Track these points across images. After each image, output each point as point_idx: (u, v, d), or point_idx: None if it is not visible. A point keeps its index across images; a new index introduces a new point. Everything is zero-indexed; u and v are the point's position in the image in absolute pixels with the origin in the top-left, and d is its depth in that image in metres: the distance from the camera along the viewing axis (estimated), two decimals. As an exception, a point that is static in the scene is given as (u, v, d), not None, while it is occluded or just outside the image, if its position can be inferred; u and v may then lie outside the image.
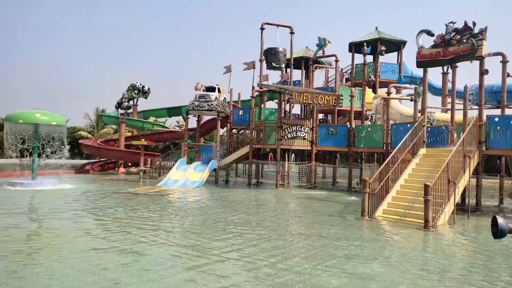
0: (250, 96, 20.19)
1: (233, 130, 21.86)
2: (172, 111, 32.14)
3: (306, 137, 18.22)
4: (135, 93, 27.08)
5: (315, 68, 22.28)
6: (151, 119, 30.84)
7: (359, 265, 5.93)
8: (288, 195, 15.44)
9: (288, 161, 19.56)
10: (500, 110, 14.31)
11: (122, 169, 24.89)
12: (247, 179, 19.45)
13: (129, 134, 28.77)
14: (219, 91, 20.63)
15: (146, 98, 28.02)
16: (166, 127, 33.22)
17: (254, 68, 20.63)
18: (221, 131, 23.76)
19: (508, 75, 14.21)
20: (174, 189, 15.78)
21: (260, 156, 20.97)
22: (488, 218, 11.21)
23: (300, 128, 18.16)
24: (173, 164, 20.26)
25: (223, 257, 6.02)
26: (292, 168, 18.99)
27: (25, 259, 5.80)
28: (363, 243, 7.43)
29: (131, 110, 27.63)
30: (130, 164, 25.52)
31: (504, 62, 13.93)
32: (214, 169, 19.54)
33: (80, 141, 28.73)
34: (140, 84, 27.27)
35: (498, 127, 11.68)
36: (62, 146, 16.22)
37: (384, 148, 16.62)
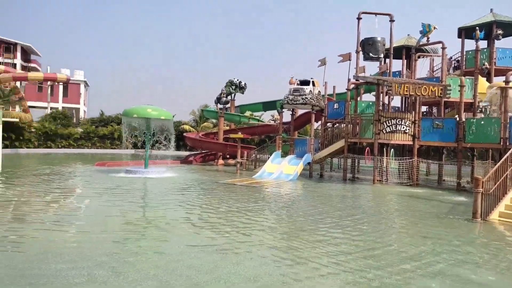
0: (346, 89, 19.60)
1: (328, 124, 21.48)
2: (267, 105, 32.80)
3: (407, 130, 17.09)
4: (232, 89, 28.28)
5: (418, 57, 20.67)
6: (248, 113, 31.90)
7: (469, 272, 5.41)
8: (386, 192, 14.70)
9: (386, 156, 18.60)
10: None
11: (221, 161, 26.29)
12: (342, 174, 19.01)
13: (227, 127, 30.20)
14: (313, 85, 20.43)
15: (242, 93, 29.08)
16: (261, 121, 34.08)
17: (350, 60, 19.97)
18: (315, 125, 23.54)
19: None
20: (269, 182, 16.16)
21: (356, 151, 20.30)
22: None
23: (400, 122, 17.09)
24: (268, 157, 20.73)
25: (318, 262, 5.52)
26: (391, 164, 18.02)
27: (126, 248, 6.51)
28: (474, 248, 6.75)
29: (229, 105, 28.96)
30: (228, 156, 26.81)
31: None
32: (308, 163, 19.50)
33: (184, 134, 31.08)
34: (237, 80, 28.37)
35: None
36: (169, 139, 17.74)
37: (501, 143, 14.77)
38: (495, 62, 20.77)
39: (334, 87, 25.07)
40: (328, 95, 23.37)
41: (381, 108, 18.05)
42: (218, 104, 28.06)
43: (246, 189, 13.62)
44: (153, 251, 5.83)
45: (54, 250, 5.58)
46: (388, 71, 20.03)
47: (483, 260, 5.99)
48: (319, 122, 24.11)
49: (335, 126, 20.72)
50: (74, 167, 20.01)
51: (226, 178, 16.70)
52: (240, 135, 23.44)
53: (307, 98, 19.82)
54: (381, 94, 18.67)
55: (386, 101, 20.74)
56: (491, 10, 22.13)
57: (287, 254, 5.86)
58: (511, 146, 13.04)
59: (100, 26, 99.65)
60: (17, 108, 36.09)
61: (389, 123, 17.16)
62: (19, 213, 8.45)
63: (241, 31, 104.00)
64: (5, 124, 19.11)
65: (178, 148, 40.99)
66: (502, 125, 14.73)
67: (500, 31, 20.17)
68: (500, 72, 20.80)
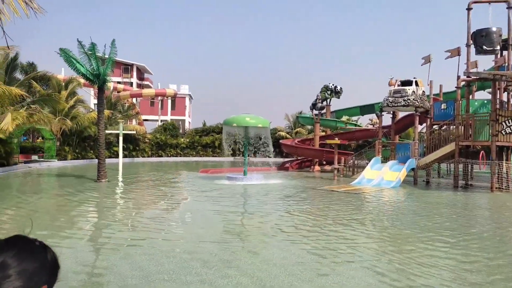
0: (455, 87, 17.85)
1: (434, 126, 19.80)
2: (365, 109, 31.58)
3: (532, 131, 14.86)
4: (328, 94, 27.85)
5: (545, 46, 17.86)
6: (344, 118, 31.07)
7: None
8: (508, 200, 12.93)
9: (506, 160, 16.40)
10: None
11: (317, 167, 26.02)
12: (453, 181, 17.26)
13: (323, 133, 29.80)
14: (416, 85, 19.04)
15: (338, 98, 28.43)
16: (358, 126, 32.89)
17: (459, 55, 18.13)
18: (419, 128, 21.88)
19: None
20: (369, 188, 15.46)
21: (469, 155, 18.29)
22: None
23: (523, 121, 14.94)
24: (366, 163, 19.86)
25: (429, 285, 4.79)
26: (511, 169, 15.84)
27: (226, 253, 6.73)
28: None
29: (324, 111, 28.57)
30: (324, 162, 26.43)
31: None
32: (412, 169, 18.17)
33: (280, 141, 31.53)
34: (333, 85, 27.86)
35: None
36: (267, 146, 18.17)
37: None
38: None
39: (440, 86, 23.11)
40: (433, 95, 21.59)
41: (498, 106, 16.03)
42: (314, 110, 27.86)
43: (345, 196, 13.22)
44: (254, 255, 5.98)
45: (165, 249, 6.09)
46: (507, 64, 17.70)
47: None
48: (424, 125, 22.36)
49: (443, 128, 18.99)
50: (182, 174, 21.71)
51: (324, 185, 16.44)
52: (337, 140, 22.92)
53: (409, 99, 18.56)
54: (498, 91, 16.60)
55: (505, 99, 18.35)
56: None
57: (393, 270, 5.50)
58: None
59: (199, 43, 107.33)
60: (134, 122, 40.65)
61: (509, 123, 15.13)
62: (135, 217, 9.44)
63: (336, 32, 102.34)
64: (124, 136, 21.63)
65: (275, 154, 41.76)
66: None
67: None
68: None
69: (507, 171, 15.57)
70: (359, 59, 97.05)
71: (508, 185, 15.26)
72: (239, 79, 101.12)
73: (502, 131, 15.17)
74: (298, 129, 42.03)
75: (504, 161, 15.84)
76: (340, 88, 28.04)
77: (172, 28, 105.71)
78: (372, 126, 35.40)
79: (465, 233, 7.82)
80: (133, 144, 34.50)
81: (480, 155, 19.48)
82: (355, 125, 32.47)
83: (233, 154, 30.61)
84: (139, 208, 10.57)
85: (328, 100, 28.63)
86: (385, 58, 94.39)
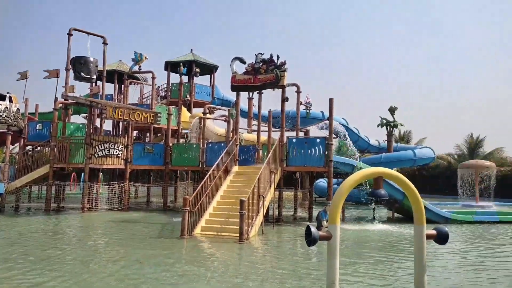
0: (53, 108, 17.57)
1: (28, 147, 18.53)
2: None
3: (119, 155, 16.98)
4: None
5: (130, 83, 21.26)
6: None
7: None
8: (97, 219, 13.89)
9: (97, 181, 17.81)
10: (295, 133, 16.68)
11: None
12: (45, 204, 16.56)
13: None
14: (10, 100, 17.21)
15: None
16: None
17: (58, 77, 18.06)
18: (11, 147, 19.75)
19: (301, 103, 16.68)
20: None
21: (62, 177, 18.32)
22: (288, 226, 12.82)
23: (113, 146, 16.80)
24: None
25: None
26: (100, 189, 17.36)
27: None
28: (185, 264, 7.26)
29: None
30: None
31: (298, 92, 16.37)
32: (1, 194, 15.98)
33: None
34: None
35: (295, 147, 13.57)
36: None
37: (200, 166, 17.03)
38: (194, 95, 24.37)
39: (36, 105, 22.17)
40: (28, 113, 20.27)
41: (93, 131, 17.21)
42: None
43: None
44: None
45: None
46: (101, 93, 19.52)
47: (193, 274, 6.49)
48: (16, 145, 20.47)
49: (37, 149, 18.09)
50: None
51: None
52: None
53: (1, 115, 16.45)
54: (93, 117, 17.89)
55: (98, 124, 20.04)
56: (191, 50, 25.97)
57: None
58: (208, 168, 15.18)
59: None
60: None
61: (101, 147, 16.54)
62: None
63: None
64: None
65: None
66: (201, 150, 17.05)
67: (198, 70, 23.92)
68: (198, 105, 24.56)
69: (97, 192, 16.82)
70: None
71: (97, 204, 16.45)
72: None
73: (96, 154, 16.33)
74: None
75: (96, 182, 17.05)
76: None
77: None
78: None
79: (52, 256, 7.55)
80: None
81: (72, 177, 20.12)
82: None
83: None
84: None
85: None
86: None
